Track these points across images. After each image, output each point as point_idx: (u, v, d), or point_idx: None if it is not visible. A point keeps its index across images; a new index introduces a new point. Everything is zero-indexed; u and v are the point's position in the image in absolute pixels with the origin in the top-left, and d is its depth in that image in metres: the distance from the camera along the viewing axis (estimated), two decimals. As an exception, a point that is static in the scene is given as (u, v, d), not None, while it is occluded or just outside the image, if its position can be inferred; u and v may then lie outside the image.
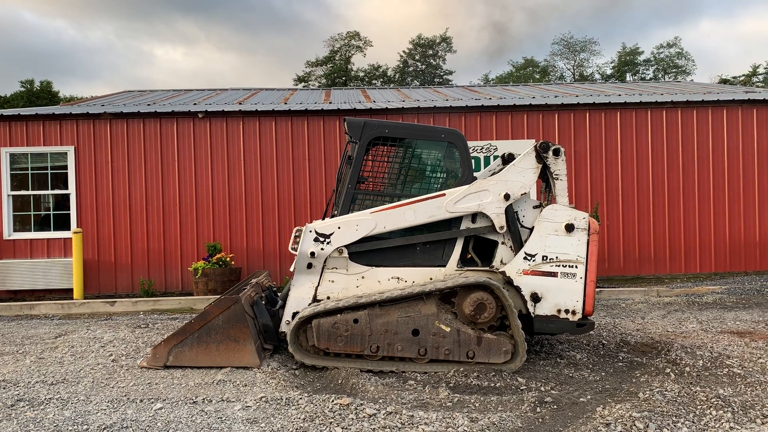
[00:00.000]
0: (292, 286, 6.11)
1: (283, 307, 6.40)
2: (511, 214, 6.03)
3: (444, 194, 6.02)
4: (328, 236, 5.99)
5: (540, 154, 6.08)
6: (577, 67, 53.24)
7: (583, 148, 12.26)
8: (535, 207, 6.18)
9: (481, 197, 6.00)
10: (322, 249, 5.98)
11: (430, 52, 51.82)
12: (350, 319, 5.69)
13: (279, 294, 7.19)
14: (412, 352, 5.68)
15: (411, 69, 51.77)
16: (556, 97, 14.24)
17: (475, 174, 6.32)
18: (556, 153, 6.08)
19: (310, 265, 6.03)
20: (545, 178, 6.30)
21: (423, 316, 5.67)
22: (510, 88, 18.85)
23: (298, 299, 6.05)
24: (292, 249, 6.15)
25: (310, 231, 6.02)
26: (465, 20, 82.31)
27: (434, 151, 6.51)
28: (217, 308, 5.86)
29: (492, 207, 5.98)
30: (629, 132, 12.36)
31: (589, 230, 5.91)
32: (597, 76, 51.22)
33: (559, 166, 6.11)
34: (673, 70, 49.62)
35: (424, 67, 51.76)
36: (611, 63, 52.10)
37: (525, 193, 6.07)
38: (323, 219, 6.40)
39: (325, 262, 6.03)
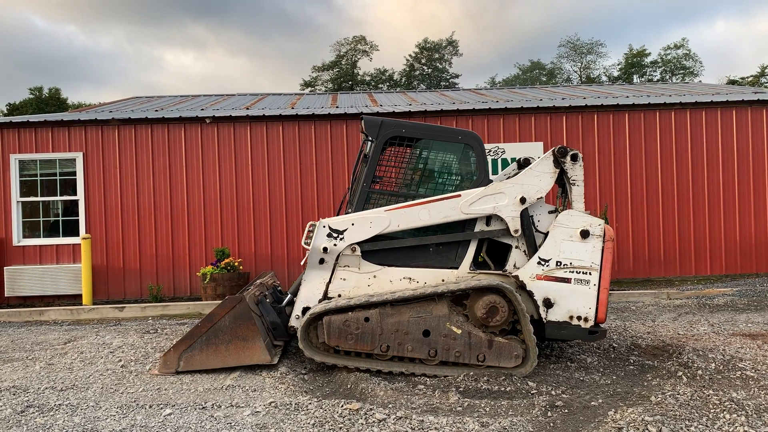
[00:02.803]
0: (303, 280, 6.10)
1: (290, 303, 6.40)
2: (526, 218, 5.98)
3: (459, 195, 5.99)
4: (342, 232, 5.98)
5: (558, 158, 6.03)
6: (584, 69, 53.13)
7: (591, 150, 12.20)
8: (550, 212, 6.13)
9: (496, 200, 5.97)
10: (335, 245, 5.97)
11: (437, 55, 51.84)
12: (361, 317, 5.67)
13: (284, 293, 7.20)
14: (422, 353, 5.65)
15: (417, 73, 51.80)
16: (563, 99, 14.20)
17: (490, 177, 6.31)
18: (574, 158, 6.03)
19: (322, 261, 6.02)
20: (561, 183, 6.25)
21: (434, 317, 5.64)
22: (517, 91, 18.81)
23: (309, 295, 6.04)
24: (305, 243, 6.12)
25: (324, 226, 6.01)
26: (477, 21, 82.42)
27: (450, 153, 6.48)
28: (222, 309, 5.86)
29: (507, 210, 5.94)
30: (638, 134, 12.30)
31: (604, 237, 5.85)
32: (604, 78, 51.11)
33: (576, 172, 6.06)
34: (681, 72, 49.41)
35: (430, 70, 51.78)
36: (618, 65, 51.98)
37: (541, 198, 6.03)
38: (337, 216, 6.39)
39: (337, 259, 6.02)
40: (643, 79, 49.32)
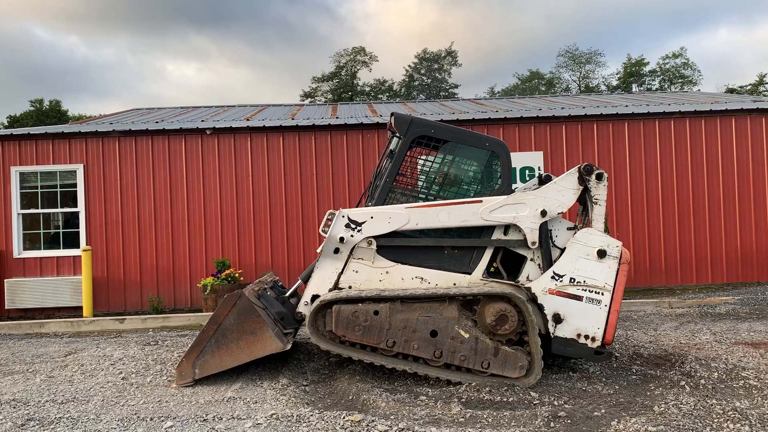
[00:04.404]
0: (316, 268, 6.11)
1: (294, 295, 6.41)
2: (544, 232, 5.98)
3: (481, 201, 6.00)
4: (360, 224, 6.00)
5: (583, 176, 6.04)
6: (583, 78, 53.30)
7: (591, 159, 12.21)
8: (569, 228, 6.13)
9: (517, 210, 5.97)
10: (351, 236, 5.99)
11: (436, 66, 52.03)
12: (371, 309, 5.68)
13: (285, 288, 7.20)
14: (427, 353, 5.65)
15: (417, 83, 51.97)
16: (563, 108, 14.23)
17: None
18: (599, 177, 6.04)
19: (337, 250, 6.03)
20: (582, 201, 6.26)
21: (443, 319, 5.65)
22: (516, 101, 18.87)
23: (320, 283, 6.05)
24: (322, 231, 6.14)
25: (343, 216, 6.04)
26: (476, 32, 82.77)
27: (476, 158, 6.50)
28: (224, 308, 5.85)
29: (527, 221, 5.95)
30: (637, 143, 12.33)
31: (620, 259, 5.86)
32: (603, 87, 51.26)
33: (599, 191, 6.06)
34: (679, 81, 49.57)
35: (429, 81, 51.95)
36: (617, 74, 52.15)
37: (561, 213, 6.03)
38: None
39: (352, 250, 6.03)
40: (641, 88, 49.48)
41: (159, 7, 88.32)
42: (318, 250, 6.21)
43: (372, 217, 6.01)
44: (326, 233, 6.06)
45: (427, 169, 6.45)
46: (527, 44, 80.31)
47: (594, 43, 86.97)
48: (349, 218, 6.03)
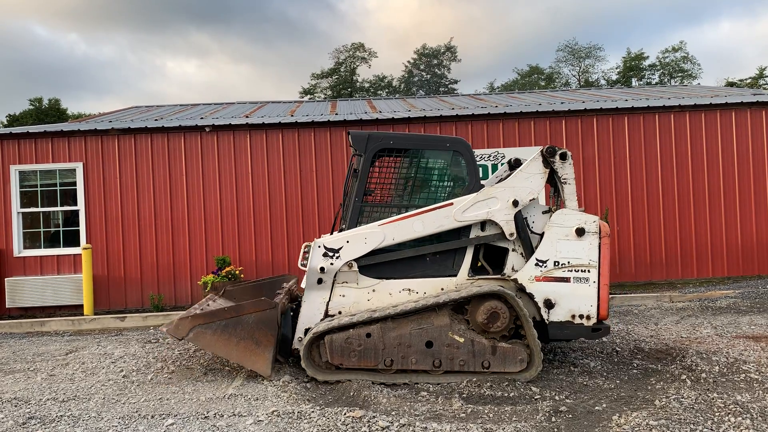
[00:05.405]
0: (303, 302, 6.09)
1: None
2: (520, 221, 5.97)
3: (452, 203, 5.98)
4: (337, 251, 5.96)
5: (547, 158, 6.03)
6: (583, 73, 53.22)
7: (591, 154, 12.20)
8: (544, 212, 6.12)
9: (489, 205, 5.96)
10: (331, 264, 5.95)
11: (435, 61, 51.95)
12: (363, 333, 5.64)
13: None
14: (426, 365, 5.62)
15: (416, 79, 51.90)
16: (562, 103, 14.20)
17: (482, 181, 6.29)
18: (563, 157, 6.03)
19: (320, 281, 5.99)
20: (553, 182, 6.25)
21: (436, 328, 5.62)
22: (516, 96, 18.83)
23: (310, 315, 6.01)
24: (301, 265, 6.12)
25: (319, 246, 5.98)
26: (476, 27, 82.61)
27: (440, 161, 6.49)
28: (253, 307, 5.83)
29: (501, 214, 5.93)
30: (637, 137, 12.30)
31: (600, 233, 5.84)
32: (602, 81, 51.20)
33: (566, 170, 6.05)
34: (679, 74, 49.49)
35: (429, 76, 51.88)
36: (617, 68, 52.07)
37: (534, 199, 6.02)
38: (331, 233, 6.38)
39: (335, 276, 5.99)
40: (641, 82, 49.40)
41: (159, 4, 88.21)
42: (302, 285, 6.18)
43: (348, 242, 5.97)
44: (306, 266, 6.02)
45: (396, 181, 6.42)
46: (527, 39, 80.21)
47: (593, 38, 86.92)
48: (325, 247, 5.97)
